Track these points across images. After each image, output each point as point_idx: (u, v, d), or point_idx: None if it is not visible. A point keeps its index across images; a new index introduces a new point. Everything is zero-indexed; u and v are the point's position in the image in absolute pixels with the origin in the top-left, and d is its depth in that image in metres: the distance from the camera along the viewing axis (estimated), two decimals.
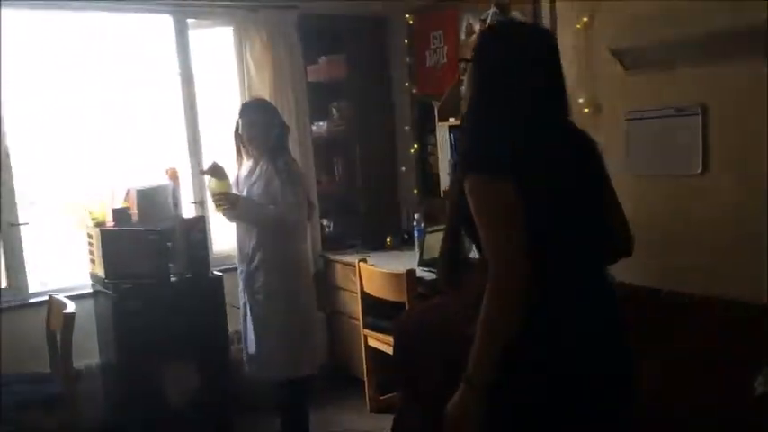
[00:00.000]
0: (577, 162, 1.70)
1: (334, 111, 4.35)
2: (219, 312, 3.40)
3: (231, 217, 3.24)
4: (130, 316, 3.15)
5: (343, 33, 4.31)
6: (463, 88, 1.78)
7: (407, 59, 4.29)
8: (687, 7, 2.72)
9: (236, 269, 3.34)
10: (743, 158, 2.69)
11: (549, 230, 1.59)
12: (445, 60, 4.03)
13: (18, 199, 3.46)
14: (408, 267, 3.39)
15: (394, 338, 3.22)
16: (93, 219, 3.40)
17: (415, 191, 4.36)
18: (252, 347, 3.24)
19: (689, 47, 2.76)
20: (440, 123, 3.85)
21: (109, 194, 3.47)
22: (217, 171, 3.16)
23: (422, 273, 3.48)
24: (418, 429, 2.92)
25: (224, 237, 3.94)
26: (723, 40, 2.63)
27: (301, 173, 3.33)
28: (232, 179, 3.27)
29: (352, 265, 3.79)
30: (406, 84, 4.32)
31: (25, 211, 3.51)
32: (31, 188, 3.67)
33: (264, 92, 3.87)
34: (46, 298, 3.29)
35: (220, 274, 3.45)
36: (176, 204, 3.53)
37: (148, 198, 3.40)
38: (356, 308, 3.77)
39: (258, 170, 3.18)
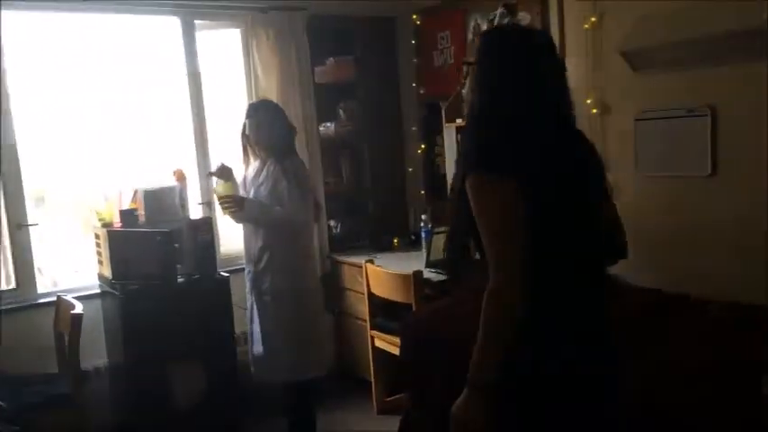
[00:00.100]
0: (577, 162, 1.72)
1: (341, 112, 4.34)
2: (226, 313, 3.40)
3: (238, 219, 3.25)
4: (138, 317, 3.16)
5: (350, 34, 4.30)
6: (464, 91, 1.80)
7: (414, 60, 4.28)
8: (696, 7, 2.70)
9: (243, 270, 3.35)
10: (752, 160, 2.67)
11: (548, 231, 1.60)
12: (452, 61, 4.02)
13: (27, 200, 3.47)
14: (415, 268, 3.38)
15: (401, 340, 3.21)
16: (100, 219, 3.41)
17: (423, 192, 4.35)
18: (259, 349, 3.24)
19: (698, 47, 2.74)
20: (447, 124, 3.84)
21: (116, 195, 3.48)
22: (224, 173, 3.17)
23: (429, 274, 3.47)
24: (425, 431, 2.91)
25: (231, 238, 3.94)
26: (732, 41, 2.61)
27: (308, 174, 3.34)
28: (239, 180, 3.27)
29: (359, 265, 3.79)
30: (414, 84, 4.31)
31: (33, 212, 3.52)
32: (39, 189, 3.69)
33: (272, 93, 3.87)
34: (54, 299, 3.31)
35: (227, 275, 3.45)
36: (183, 205, 3.53)
37: (156, 199, 3.41)
38: (363, 309, 3.77)
39: (265, 171, 3.18)
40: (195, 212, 3.76)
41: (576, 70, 3.30)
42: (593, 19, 3.17)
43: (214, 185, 3.34)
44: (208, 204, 3.87)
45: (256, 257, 3.19)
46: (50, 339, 3.24)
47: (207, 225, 3.39)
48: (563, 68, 1.75)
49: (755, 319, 2.44)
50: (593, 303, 1.71)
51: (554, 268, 1.63)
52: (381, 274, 3.54)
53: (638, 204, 3.11)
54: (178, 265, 3.28)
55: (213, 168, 3.30)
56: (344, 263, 4.10)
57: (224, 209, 3.18)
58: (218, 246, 3.82)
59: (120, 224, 3.38)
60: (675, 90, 2.91)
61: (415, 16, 4.22)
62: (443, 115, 3.86)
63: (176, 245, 3.26)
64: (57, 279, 3.69)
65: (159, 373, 3.22)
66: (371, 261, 3.69)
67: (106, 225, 3.37)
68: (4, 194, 3.37)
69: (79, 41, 3.62)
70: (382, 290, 3.54)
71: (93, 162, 3.72)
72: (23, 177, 3.44)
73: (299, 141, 3.45)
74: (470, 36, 3.85)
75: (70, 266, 3.76)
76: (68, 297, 3.21)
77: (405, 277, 3.35)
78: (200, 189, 3.90)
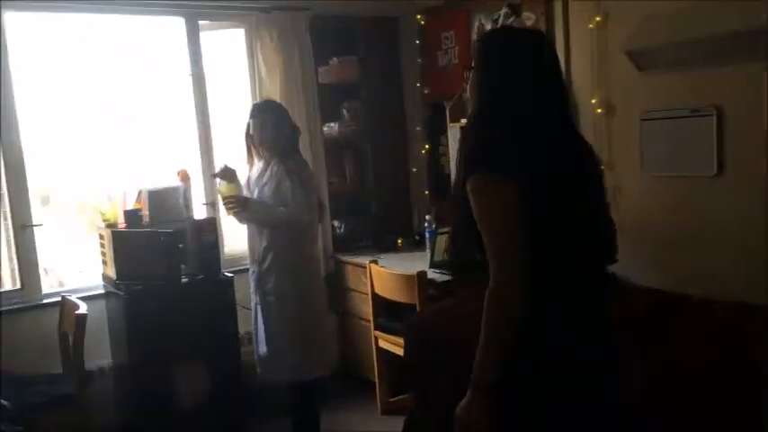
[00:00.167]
0: (577, 162, 1.74)
1: (345, 112, 4.34)
2: (230, 314, 3.40)
3: (242, 219, 3.25)
4: (142, 317, 3.16)
5: (354, 34, 4.30)
6: (465, 94, 1.81)
7: (419, 60, 4.27)
8: (700, 7, 2.69)
9: (247, 270, 3.35)
10: (758, 160, 2.65)
11: (549, 230, 1.62)
12: (457, 61, 4.01)
13: (33, 199, 3.48)
14: (419, 269, 3.37)
15: (404, 340, 3.20)
16: (104, 220, 3.41)
17: (427, 192, 4.34)
18: (263, 349, 3.24)
19: (702, 47, 2.73)
20: (451, 124, 3.83)
21: (120, 196, 3.48)
22: (227, 174, 3.17)
23: (433, 274, 3.47)
24: None
25: (235, 238, 3.94)
26: (736, 41, 2.60)
27: (312, 174, 3.33)
28: (243, 181, 3.27)
29: (363, 266, 3.78)
30: (418, 84, 4.31)
31: (39, 212, 3.52)
32: (45, 188, 3.69)
33: (275, 93, 3.87)
34: (59, 299, 3.31)
35: (231, 275, 3.45)
36: (187, 206, 3.53)
37: (160, 199, 3.41)
38: (367, 309, 3.76)
39: (269, 171, 3.18)
40: (199, 213, 3.76)
41: (580, 70, 3.31)
42: (597, 19, 3.16)
43: (218, 186, 3.34)
44: (212, 205, 3.87)
45: (260, 258, 3.19)
46: (55, 339, 3.24)
47: (211, 225, 3.39)
48: (560, 69, 1.77)
49: (761, 319, 2.43)
50: (594, 303, 1.72)
51: (555, 268, 1.64)
52: (385, 275, 3.53)
53: (643, 204, 3.10)
54: (182, 266, 3.28)
55: (216, 170, 3.30)
56: (348, 263, 4.10)
57: (228, 209, 3.18)
58: (223, 246, 3.82)
59: (124, 224, 3.38)
60: (681, 90, 2.90)
61: (419, 16, 4.22)
62: (448, 115, 3.86)
63: (180, 245, 3.26)
64: (62, 279, 3.69)
65: (163, 374, 3.22)
66: (375, 261, 3.68)
67: (110, 225, 3.37)
68: (9, 195, 3.37)
69: (83, 42, 3.63)
70: (386, 290, 3.54)
71: (97, 162, 3.73)
72: (30, 177, 3.44)
73: (302, 141, 3.45)
74: (475, 36, 3.84)
75: (75, 266, 3.77)
76: (73, 297, 3.22)
77: (409, 278, 3.34)
78: (205, 189, 3.90)
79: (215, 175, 3.29)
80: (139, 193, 3.45)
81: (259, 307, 3.24)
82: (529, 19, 3.47)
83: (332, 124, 4.30)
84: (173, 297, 3.24)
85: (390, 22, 4.43)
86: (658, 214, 3.04)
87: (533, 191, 1.59)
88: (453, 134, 3.83)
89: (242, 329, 3.50)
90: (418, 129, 4.36)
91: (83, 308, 3.01)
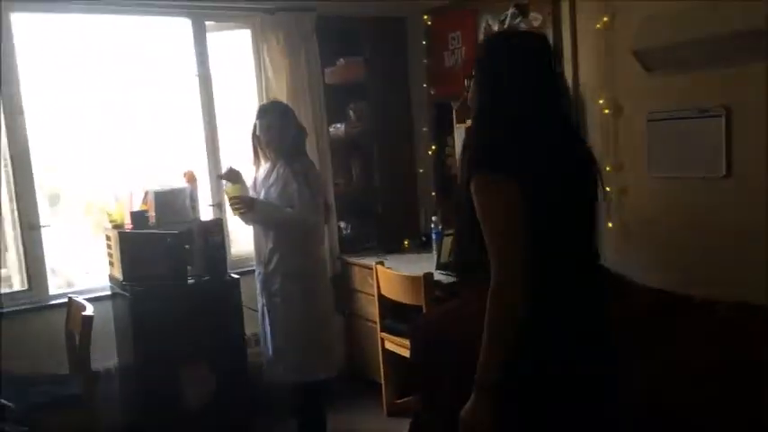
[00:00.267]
0: (578, 162, 1.77)
1: (351, 113, 4.34)
2: (236, 315, 3.40)
3: (248, 220, 3.25)
4: (148, 318, 3.17)
5: (360, 35, 4.29)
6: (468, 102, 1.86)
7: (425, 60, 4.26)
8: (707, 7, 2.67)
9: (253, 271, 3.35)
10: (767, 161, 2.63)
11: (551, 230, 1.65)
12: (463, 61, 4.00)
13: (41, 200, 3.49)
14: (426, 270, 3.36)
15: (411, 342, 3.19)
16: (111, 221, 3.42)
17: (433, 193, 4.33)
18: (269, 350, 3.24)
19: (708, 47, 2.71)
20: (458, 124, 3.82)
21: (127, 197, 3.49)
22: (232, 175, 3.18)
23: (439, 276, 3.45)
24: None
25: (242, 239, 3.95)
26: (746, 41, 2.58)
27: (318, 175, 3.33)
28: (249, 182, 3.27)
29: (369, 267, 3.78)
30: (424, 85, 4.29)
31: (48, 212, 3.53)
32: (54, 188, 3.71)
33: (282, 94, 3.87)
34: (66, 300, 3.32)
35: (237, 276, 3.45)
36: (194, 207, 3.53)
37: (166, 200, 3.41)
38: (374, 311, 3.76)
39: (275, 173, 3.18)
40: (206, 214, 3.77)
41: (588, 71, 3.29)
42: (605, 19, 3.14)
43: (224, 186, 3.34)
44: (218, 206, 3.87)
45: (267, 259, 3.19)
46: (62, 340, 3.25)
47: (217, 227, 3.39)
48: (561, 72, 1.83)
49: (763, 319, 2.41)
50: (594, 303, 1.75)
51: (556, 268, 1.66)
52: (392, 276, 3.52)
53: (650, 205, 3.08)
54: (188, 267, 3.29)
55: (222, 171, 3.30)
56: (355, 264, 4.09)
57: (234, 210, 3.18)
58: (229, 247, 3.82)
59: (130, 225, 3.39)
60: (689, 90, 2.88)
61: (425, 16, 4.21)
62: (454, 116, 3.85)
63: (187, 246, 3.27)
64: (70, 279, 3.71)
65: (169, 374, 3.22)
66: (382, 263, 3.67)
67: (117, 226, 3.38)
68: (16, 196, 3.39)
69: (91, 43, 3.64)
70: (392, 292, 3.53)
71: (104, 163, 3.74)
72: (38, 178, 3.46)
73: (309, 142, 3.44)
74: (481, 36, 3.83)
75: (83, 267, 3.78)
76: (79, 298, 3.22)
77: (415, 279, 3.33)
78: (211, 190, 3.91)
79: (221, 177, 3.29)
80: (146, 194, 3.46)
81: (265, 308, 3.24)
82: (536, 19, 3.46)
83: (338, 125, 4.30)
84: (179, 298, 3.24)
85: (397, 22, 4.42)
86: (665, 215, 3.02)
87: (535, 191, 1.61)
88: (460, 135, 3.82)
89: (248, 331, 3.50)
90: (425, 129, 4.35)
91: (89, 309, 3.02)
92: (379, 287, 3.62)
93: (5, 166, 3.37)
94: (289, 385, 3.28)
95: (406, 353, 3.36)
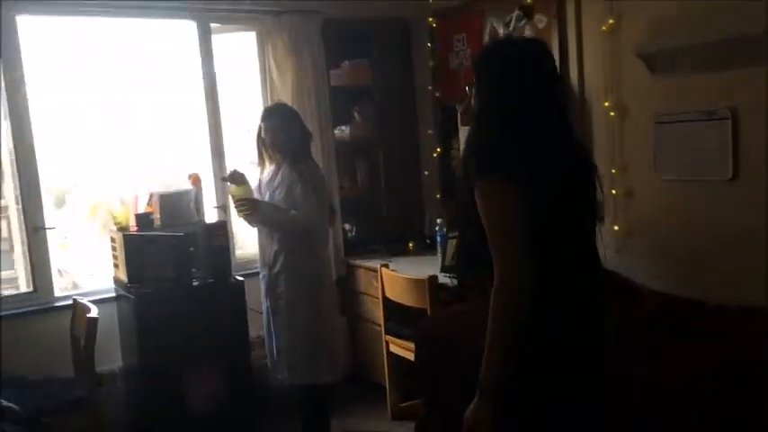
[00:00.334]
0: (577, 163, 1.81)
1: (356, 115, 4.33)
2: (241, 317, 3.40)
3: (252, 221, 3.25)
4: (153, 320, 3.17)
5: (365, 37, 4.29)
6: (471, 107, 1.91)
7: (430, 63, 4.26)
8: (716, 7, 2.66)
9: (258, 274, 3.35)
10: None
11: (551, 231, 1.69)
12: (468, 63, 3.99)
13: (48, 201, 3.50)
14: (430, 273, 3.35)
15: (415, 345, 3.18)
16: (116, 223, 3.43)
17: (438, 195, 4.32)
18: (274, 352, 3.24)
19: (718, 49, 2.69)
20: (463, 127, 3.81)
21: (132, 199, 3.49)
22: (236, 178, 3.17)
23: (444, 279, 3.44)
24: None
25: (247, 241, 3.94)
26: (753, 43, 2.56)
27: (323, 177, 3.33)
28: (254, 184, 3.27)
29: (374, 270, 3.77)
30: (429, 87, 4.29)
31: (55, 214, 3.54)
32: (61, 189, 3.72)
33: (287, 96, 3.87)
34: (71, 302, 3.32)
35: (242, 279, 3.45)
36: (199, 209, 3.54)
37: (171, 203, 3.42)
38: (378, 313, 3.75)
39: (280, 175, 3.18)
40: (210, 216, 3.77)
41: (593, 73, 3.28)
42: (610, 21, 3.13)
43: (228, 188, 3.34)
44: (223, 208, 3.87)
45: (271, 261, 3.19)
46: (67, 342, 3.25)
47: (222, 229, 3.39)
48: (560, 77, 1.87)
49: None
50: (594, 302, 1.78)
51: (555, 267, 1.70)
52: (396, 279, 3.52)
53: (656, 208, 3.07)
54: (193, 269, 3.29)
55: (226, 174, 3.30)
56: (359, 267, 4.09)
57: (239, 211, 3.18)
58: (234, 249, 3.82)
59: (135, 228, 3.39)
60: (695, 92, 2.86)
61: (430, 19, 4.20)
62: (459, 118, 3.84)
63: (191, 249, 3.27)
64: (77, 281, 3.71)
65: (174, 377, 3.23)
66: (386, 265, 3.66)
67: (122, 229, 3.39)
68: (22, 198, 3.39)
69: (97, 45, 3.65)
70: (397, 294, 3.52)
71: (109, 165, 3.75)
72: (45, 179, 3.46)
73: (314, 145, 3.44)
74: (487, 39, 3.82)
75: (89, 269, 3.79)
76: (84, 301, 3.22)
77: (420, 282, 3.32)
78: (216, 193, 3.91)
79: (225, 179, 3.30)
80: (151, 196, 3.47)
81: (270, 310, 3.24)
82: (541, 21, 3.45)
83: (343, 127, 4.29)
84: (183, 300, 3.25)
85: (402, 24, 4.42)
86: (671, 218, 3.01)
87: (534, 192, 1.64)
88: (465, 137, 3.80)
89: (253, 333, 3.50)
90: (430, 132, 4.34)
91: (94, 311, 3.02)
92: (383, 290, 3.62)
93: (12, 167, 3.38)
94: (293, 388, 3.27)
95: (410, 356, 3.35)
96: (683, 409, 2.07)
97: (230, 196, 3.32)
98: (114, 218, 3.43)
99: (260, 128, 3.22)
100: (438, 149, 4.27)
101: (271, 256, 3.19)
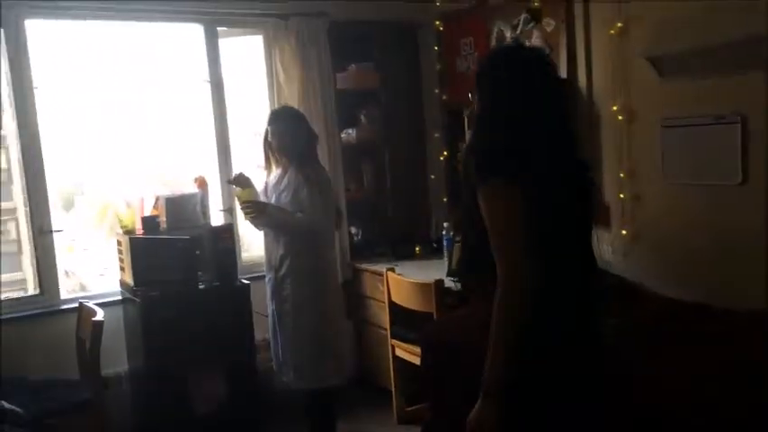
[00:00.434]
0: (578, 166, 1.83)
1: (363, 118, 4.33)
2: (246, 320, 3.40)
3: (259, 224, 3.24)
4: (158, 323, 3.17)
5: (372, 40, 4.29)
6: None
7: (437, 66, 4.25)
8: (725, 9, 2.64)
9: (264, 277, 3.34)
10: None
11: (553, 233, 1.70)
12: (476, 67, 3.98)
13: (57, 203, 3.51)
14: (437, 277, 3.34)
15: (421, 349, 3.17)
16: (122, 226, 3.43)
17: (445, 199, 4.31)
18: (279, 356, 3.23)
19: (726, 52, 2.67)
20: (469, 130, 3.79)
21: (138, 202, 3.49)
22: (242, 181, 3.17)
23: (450, 283, 3.43)
24: None
25: (252, 244, 3.94)
26: (762, 46, 2.54)
27: (330, 181, 3.32)
28: (261, 187, 3.27)
29: (380, 273, 3.76)
30: (436, 90, 4.28)
31: (63, 216, 3.55)
32: (69, 191, 3.73)
33: (294, 99, 3.87)
34: (77, 305, 3.32)
35: (248, 282, 3.44)
36: (205, 212, 3.54)
37: (177, 206, 3.42)
38: (384, 317, 3.73)
39: (287, 178, 3.18)
40: (217, 219, 3.77)
41: (601, 76, 3.26)
42: (618, 24, 3.11)
43: (234, 190, 3.34)
44: (229, 211, 3.87)
45: (277, 265, 3.18)
46: (73, 345, 3.25)
47: (228, 232, 3.39)
48: (563, 82, 1.89)
49: None
50: (594, 304, 1.81)
51: (559, 270, 1.71)
52: (402, 283, 3.50)
53: (664, 213, 3.05)
54: (199, 272, 3.29)
55: (232, 177, 3.30)
56: (366, 270, 4.07)
57: (245, 214, 3.18)
58: (240, 253, 3.82)
59: (141, 231, 3.39)
60: (703, 96, 2.84)
61: (437, 22, 4.19)
62: (466, 121, 3.83)
63: (197, 252, 3.27)
64: (84, 282, 3.72)
65: (179, 380, 3.23)
66: (392, 269, 3.65)
67: (128, 231, 3.39)
68: (29, 201, 3.40)
69: (104, 48, 3.66)
70: (403, 298, 3.51)
71: (116, 168, 3.76)
72: (53, 182, 3.47)
73: (320, 148, 3.44)
74: (494, 42, 3.81)
75: (97, 270, 3.80)
76: (90, 303, 3.23)
77: (426, 286, 3.31)
78: (222, 196, 3.91)
79: (230, 182, 3.30)
80: (157, 199, 3.47)
81: (276, 314, 3.23)
82: (549, 25, 3.44)
83: (350, 130, 4.29)
84: (189, 303, 3.25)
85: (409, 27, 4.41)
86: (680, 223, 2.99)
87: (537, 195, 1.66)
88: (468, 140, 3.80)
89: (259, 336, 3.49)
90: (437, 135, 4.33)
91: (99, 314, 3.02)
92: (389, 294, 3.60)
93: (20, 170, 3.39)
94: (299, 391, 3.26)
95: (416, 360, 3.33)
96: (686, 412, 2.08)
97: (236, 199, 3.32)
98: (120, 221, 3.43)
99: (266, 131, 3.22)
100: (445, 153, 4.26)
101: (277, 260, 3.19)
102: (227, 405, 3.33)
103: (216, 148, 3.90)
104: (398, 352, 3.64)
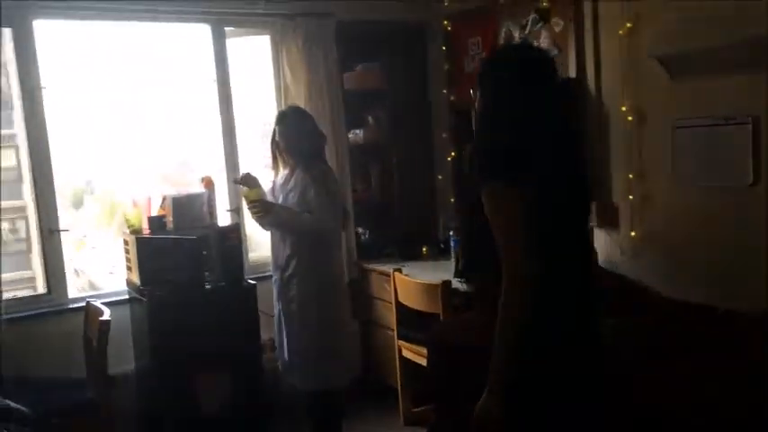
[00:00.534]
0: (578, 167, 1.87)
1: (370, 118, 4.32)
2: (253, 320, 3.39)
3: (265, 224, 3.24)
4: (165, 323, 3.17)
5: (380, 40, 4.27)
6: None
7: (445, 66, 4.23)
8: (736, 8, 2.61)
9: (270, 277, 3.34)
10: None
11: (554, 234, 1.72)
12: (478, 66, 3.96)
13: (65, 202, 3.51)
14: (444, 278, 3.33)
15: (428, 351, 3.15)
16: (129, 226, 3.43)
17: (452, 200, 4.29)
18: (286, 356, 3.23)
19: (737, 53, 2.64)
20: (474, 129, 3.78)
21: (145, 202, 3.50)
22: (249, 180, 3.17)
23: (457, 284, 3.41)
24: None
25: (259, 244, 3.94)
26: (762, 45, 2.52)
27: (337, 181, 3.32)
28: (268, 187, 3.27)
29: (387, 274, 3.75)
30: (444, 91, 4.26)
31: (73, 215, 3.56)
32: (78, 189, 3.74)
33: (301, 100, 3.86)
34: (84, 304, 3.33)
35: (254, 282, 3.44)
36: (212, 212, 3.54)
37: (184, 206, 3.42)
38: (391, 318, 3.72)
39: (294, 178, 3.17)
40: (223, 219, 3.77)
41: (610, 77, 3.24)
42: (628, 24, 3.09)
43: (240, 190, 3.34)
44: (236, 211, 3.87)
45: (284, 265, 3.18)
46: (80, 344, 3.26)
47: (235, 232, 3.39)
48: (565, 80, 1.89)
49: None
50: (594, 304, 1.83)
51: (560, 271, 1.72)
52: (409, 284, 3.49)
53: (674, 215, 3.02)
54: (206, 272, 3.29)
55: (239, 177, 3.30)
56: (373, 271, 4.07)
57: (252, 213, 3.18)
58: (246, 253, 3.82)
59: (148, 230, 3.39)
60: (714, 97, 2.81)
61: (445, 22, 4.18)
62: (473, 122, 3.81)
63: (204, 252, 3.27)
64: (93, 280, 3.73)
65: (186, 379, 3.23)
66: (399, 270, 3.64)
67: (135, 231, 3.39)
68: (37, 200, 3.41)
69: (112, 49, 3.67)
70: (410, 299, 3.50)
71: (123, 167, 3.76)
72: (64, 180, 3.48)
73: (327, 148, 3.43)
74: (502, 42, 3.79)
75: (106, 268, 3.80)
76: (97, 303, 3.23)
77: (433, 287, 3.30)
78: (229, 196, 3.91)
79: (236, 182, 3.30)
80: (164, 199, 3.47)
81: (282, 314, 3.23)
82: (557, 25, 3.42)
83: (357, 131, 4.28)
84: (196, 303, 3.25)
85: (417, 27, 4.39)
86: (689, 224, 2.96)
87: (537, 196, 1.67)
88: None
89: (265, 336, 3.49)
90: (444, 135, 4.31)
91: (106, 314, 3.02)
92: (396, 294, 3.59)
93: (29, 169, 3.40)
94: (305, 392, 3.26)
95: (423, 361, 3.32)
96: (686, 412, 2.08)
97: (243, 199, 3.32)
98: (127, 220, 3.44)
99: (274, 131, 3.22)
100: (452, 153, 4.24)
101: (283, 260, 3.18)
102: (233, 405, 3.32)
103: (223, 149, 3.90)
104: (405, 353, 3.63)
